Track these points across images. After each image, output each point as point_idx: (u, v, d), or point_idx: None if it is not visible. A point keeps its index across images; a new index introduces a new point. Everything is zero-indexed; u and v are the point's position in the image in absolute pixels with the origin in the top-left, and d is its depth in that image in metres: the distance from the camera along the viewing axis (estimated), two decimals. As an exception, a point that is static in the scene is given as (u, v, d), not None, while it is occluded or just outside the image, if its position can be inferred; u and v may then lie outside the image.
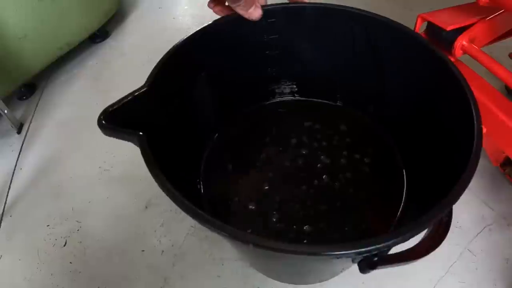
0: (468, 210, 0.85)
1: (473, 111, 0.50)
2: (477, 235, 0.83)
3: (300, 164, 0.75)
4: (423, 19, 0.77)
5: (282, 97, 0.85)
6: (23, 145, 1.08)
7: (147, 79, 0.58)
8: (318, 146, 0.77)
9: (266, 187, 0.72)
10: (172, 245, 0.83)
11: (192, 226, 0.85)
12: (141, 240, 0.84)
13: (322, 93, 0.83)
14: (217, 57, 0.72)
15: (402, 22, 0.62)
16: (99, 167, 0.98)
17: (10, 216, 0.92)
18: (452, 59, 0.70)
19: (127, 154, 1.00)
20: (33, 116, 1.15)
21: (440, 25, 0.73)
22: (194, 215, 0.41)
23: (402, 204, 0.68)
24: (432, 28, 0.77)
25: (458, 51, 0.74)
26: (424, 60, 0.61)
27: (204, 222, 0.40)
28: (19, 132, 1.11)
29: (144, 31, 1.43)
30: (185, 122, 0.70)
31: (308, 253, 0.38)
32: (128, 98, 0.54)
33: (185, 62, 0.66)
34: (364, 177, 0.72)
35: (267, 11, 0.69)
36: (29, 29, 1.10)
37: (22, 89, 1.21)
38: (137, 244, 0.84)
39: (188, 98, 0.70)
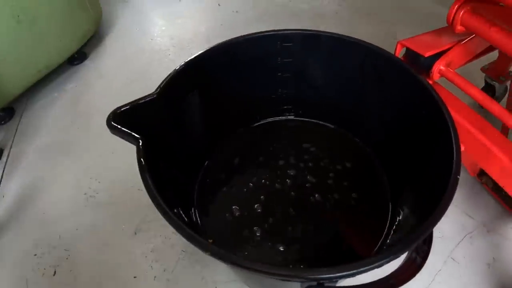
0: (449, 220, 0.89)
1: (454, 154, 0.54)
2: (459, 243, 0.86)
3: (295, 184, 0.78)
4: (403, 45, 0.80)
5: (286, 117, 0.89)
6: (4, 171, 1.05)
7: (158, 88, 0.63)
8: (316, 167, 0.81)
9: (259, 209, 0.75)
10: (164, 270, 0.83)
11: (183, 251, 0.85)
12: (133, 266, 0.84)
13: (326, 116, 0.87)
14: (230, 72, 0.76)
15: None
16: (84, 194, 0.97)
17: (-5, 246, 0.90)
18: (430, 82, 0.74)
19: (112, 179, 1.00)
20: (13, 142, 1.13)
21: (419, 51, 0.76)
22: (175, 226, 0.47)
23: (385, 229, 0.71)
24: (410, 53, 0.80)
25: (436, 75, 0.78)
26: (418, 96, 0.65)
27: (181, 232, 0.46)
28: (-1, 158, 1.09)
29: (122, 53, 1.43)
30: (185, 135, 0.73)
31: (257, 271, 0.41)
32: (138, 102, 0.59)
33: (197, 76, 0.70)
34: (352, 201, 0.76)
35: (285, 35, 0.72)
36: (7, 52, 1.09)
37: (1, 114, 1.19)
38: (129, 271, 0.83)
39: (193, 110, 0.74)
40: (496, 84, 1.05)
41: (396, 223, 0.70)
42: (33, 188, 1.00)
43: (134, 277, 0.82)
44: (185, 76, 0.67)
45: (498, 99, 1.08)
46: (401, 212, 0.70)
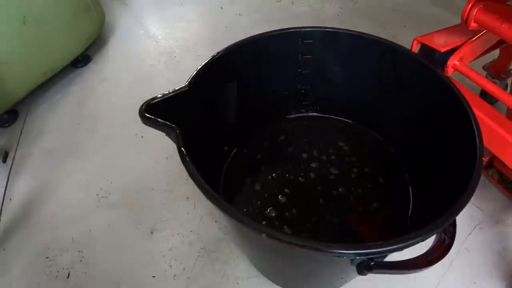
0: (459, 211, 0.88)
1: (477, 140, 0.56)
2: (469, 233, 0.87)
3: (316, 176, 0.79)
4: (419, 42, 0.83)
5: (305, 113, 0.90)
6: (10, 174, 1.03)
7: (189, 79, 0.64)
8: (336, 161, 0.81)
9: (283, 199, 0.75)
10: (184, 269, 0.81)
11: (202, 249, 0.84)
12: (151, 266, 0.82)
13: (344, 112, 0.88)
14: (252, 68, 0.77)
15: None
16: (96, 195, 0.95)
17: (4, 250, 0.87)
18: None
19: (124, 180, 0.98)
20: (18, 144, 1.11)
21: (435, 47, 0.79)
22: (230, 213, 0.46)
23: (408, 220, 0.72)
24: (426, 49, 0.83)
25: (450, 70, 0.81)
26: (438, 90, 0.67)
27: (230, 214, 0.45)
28: (4, 161, 1.06)
29: (127, 55, 1.41)
30: (214, 125, 0.74)
31: (312, 248, 0.41)
32: (170, 94, 0.60)
33: (223, 70, 0.71)
34: (374, 193, 0.76)
35: (306, 32, 0.74)
36: (12, 54, 1.07)
37: (5, 116, 1.16)
38: (147, 271, 0.81)
39: (220, 101, 0.75)
40: (497, 81, 1.09)
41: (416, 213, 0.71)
42: (41, 190, 0.98)
43: (153, 276, 0.80)
44: (212, 70, 0.68)
45: (494, 99, 1.11)
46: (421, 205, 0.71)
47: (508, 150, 0.73)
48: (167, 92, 0.61)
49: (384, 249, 0.42)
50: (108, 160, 1.03)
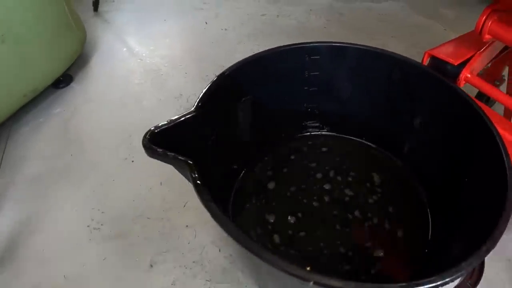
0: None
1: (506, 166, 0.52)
2: None
3: (328, 200, 0.77)
4: (430, 55, 0.80)
5: (314, 132, 0.87)
6: (-8, 206, 0.96)
7: (196, 103, 0.60)
8: (345, 183, 0.79)
9: (292, 221, 0.74)
10: (189, 304, 0.75)
11: (207, 280, 0.78)
12: (153, 303, 0.76)
13: (354, 131, 0.86)
14: (257, 86, 0.74)
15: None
16: (88, 226, 0.89)
17: (-11, 290, 0.80)
18: None
19: (117, 209, 0.92)
20: (-2, 172, 1.04)
21: (448, 60, 0.76)
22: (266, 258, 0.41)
23: (425, 252, 0.69)
24: (436, 62, 0.80)
25: (462, 82, 0.79)
26: (458, 109, 0.65)
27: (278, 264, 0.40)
28: (-16, 190, 0.99)
29: (110, 74, 1.35)
30: (222, 148, 0.70)
31: None
32: (178, 120, 0.56)
33: (229, 90, 0.68)
34: (390, 224, 0.74)
35: (312, 48, 0.71)
36: (-9, 75, 1.00)
37: (-17, 143, 1.09)
38: (150, 308, 0.75)
39: (228, 125, 0.72)
40: None
41: (434, 246, 0.68)
42: (27, 223, 0.91)
43: (157, 315, 0.74)
44: (218, 91, 0.65)
45: (492, 102, 1.12)
46: (441, 236, 0.68)
47: None
48: (174, 118, 0.57)
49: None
50: (98, 187, 0.97)
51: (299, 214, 0.75)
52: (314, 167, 0.82)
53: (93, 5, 1.71)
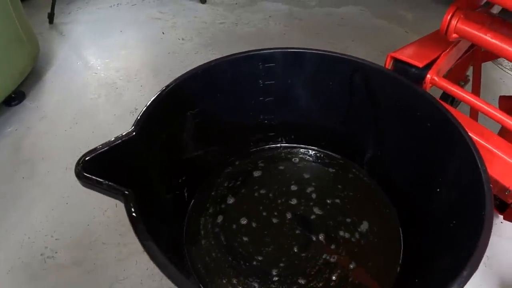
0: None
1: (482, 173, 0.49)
2: None
3: (289, 218, 0.74)
4: (392, 58, 0.78)
5: (272, 144, 0.85)
6: None
7: (135, 122, 0.55)
8: (307, 198, 0.77)
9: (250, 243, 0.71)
10: (149, 334, 0.73)
11: (166, 308, 0.75)
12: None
13: (315, 141, 0.83)
14: (207, 99, 0.70)
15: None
16: (41, 255, 0.85)
17: None
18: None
19: (71, 234, 0.88)
20: None
21: (413, 63, 0.74)
22: None
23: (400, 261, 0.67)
24: (399, 65, 0.77)
25: (428, 85, 0.77)
26: (424, 112, 0.61)
27: None
28: None
29: (65, 89, 1.31)
30: (170, 169, 0.67)
31: None
32: (115, 143, 0.51)
33: (175, 104, 0.63)
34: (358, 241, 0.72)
35: (266, 55, 0.67)
36: None
37: None
38: None
39: (175, 143, 0.67)
40: None
41: (410, 260, 0.66)
42: (-24, 253, 0.87)
43: None
44: (162, 107, 0.61)
45: (457, 103, 1.11)
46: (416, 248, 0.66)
47: (494, 162, 0.69)
48: (110, 139, 0.52)
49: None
50: (51, 212, 0.93)
51: (256, 233, 0.73)
52: (271, 184, 0.79)
53: (48, 17, 1.66)
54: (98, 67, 1.40)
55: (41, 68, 1.40)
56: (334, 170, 0.81)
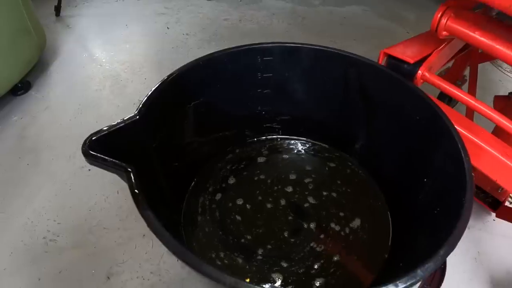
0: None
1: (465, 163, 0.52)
2: None
3: (282, 204, 0.78)
4: (385, 54, 0.79)
5: (270, 135, 0.88)
6: None
7: (139, 107, 0.58)
8: (304, 187, 0.80)
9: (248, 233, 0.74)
10: (146, 316, 0.75)
11: (164, 292, 0.78)
12: (109, 316, 0.75)
13: (311, 132, 0.86)
14: (208, 90, 0.72)
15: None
16: (43, 238, 0.88)
17: None
18: None
19: (73, 219, 0.91)
20: (-47, 184, 1.01)
21: (404, 59, 0.76)
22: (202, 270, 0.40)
23: (387, 255, 0.70)
24: (392, 61, 0.79)
25: (419, 81, 0.79)
26: (414, 106, 0.63)
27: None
28: None
29: (70, 81, 1.33)
30: (171, 154, 0.69)
31: None
32: (119, 125, 0.54)
33: (177, 93, 0.66)
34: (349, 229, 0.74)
35: (265, 48, 0.70)
36: None
37: None
38: (105, 322, 0.75)
39: (175, 128, 0.70)
40: None
41: (396, 250, 0.68)
42: (-19, 236, 0.89)
43: (112, 327, 0.74)
44: (165, 94, 0.64)
45: (454, 103, 1.14)
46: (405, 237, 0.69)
47: (483, 156, 0.71)
48: (115, 122, 0.55)
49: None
50: (54, 197, 0.96)
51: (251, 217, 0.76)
52: (272, 171, 0.83)
53: (55, 10, 1.69)
54: (103, 60, 1.43)
55: (47, 59, 1.43)
56: (334, 165, 0.84)
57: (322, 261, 0.69)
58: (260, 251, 0.71)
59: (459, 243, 0.81)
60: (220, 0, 1.80)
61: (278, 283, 0.67)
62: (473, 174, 0.50)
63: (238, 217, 0.76)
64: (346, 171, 0.82)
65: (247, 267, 0.69)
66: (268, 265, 0.69)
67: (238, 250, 0.71)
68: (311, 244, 0.71)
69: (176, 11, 1.72)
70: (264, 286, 0.66)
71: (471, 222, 0.89)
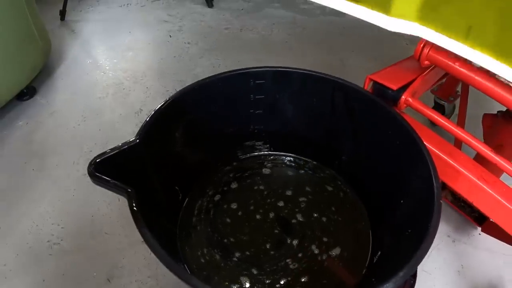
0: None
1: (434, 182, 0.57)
2: (428, 255, 0.89)
3: (271, 217, 0.83)
4: (371, 80, 0.83)
5: (262, 151, 0.93)
6: (-47, 220, 0.98)
7: (139, 132, 0.64)
8: (296, 205, 0.84)
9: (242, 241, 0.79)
10: (144, 319, 0.80)
11: (161, 296, 0.83)
12: (109, 318, 0.80)
13: (297, 149, 0.91)
14: (203, 111, 0.78)
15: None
16: (48, 241, 0.92)
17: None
18: (397, 110, 0.77)
19: (77, 224, 0.96)
20: (-40, 187, 1.06)
21: (388, 85, 0.80)
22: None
23: (366, 266, 0.75)
24: (378, 86, 0.83)
25: (402, 106, 0.82)
26: (394, 131, 0.70)
27: None
28: None
29: (74, 87, 1.38)
30: (167, 172, 0.74)
31: None
32: (121, 148, 0.60)
33: (172, 115, 0.71)
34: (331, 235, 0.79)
35: (258, 72, 0.75)
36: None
37: None
38: (105, 323, 0.79)
39: (171, 149, 0.76)
40: (446, 104, 1.16)
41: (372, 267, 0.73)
42: (-12, 237, 0.94)
43: (111, 329, 0.79)
44: (162, 117, 0.69)
45: (447, 117, 1.18)
46: (382, 249, 0.73)
47: (460, 179, 0.75)
48: (117, 145, 0.61)
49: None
50: (58, 202, 1.01)
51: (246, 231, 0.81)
52: (269, 186, 0.88)
53: (60, 14, 1.73)
54: (107, 67, 1.47)
55: (52, 65, 1.47)
56: (331, 189, 0.87)
57: (289, 278, 0.73)
58: (237, 254, 0.76)
59: (444, 256, 0.87)
60: (222, 9, 1.84)
61: (246, 285, 0.72)
62: (441, 201, 0.55)
63: (228, 220, 0.82)
64: (340, 194, 0.86)
65: (222, 264, 0.75)
66: (240, 268, 0.75)
67: (218, 248, 0.77)
68: (287, 260, 0.76)
69: (179, 19, 1.76)
70: (232, 286, 0.71)
71: (456, 236, 0.94)
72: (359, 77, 1.24)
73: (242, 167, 0.91)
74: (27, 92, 1.32)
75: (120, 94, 1.34)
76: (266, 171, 0.90)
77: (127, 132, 1.18)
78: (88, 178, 1.02)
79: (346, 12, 0.57)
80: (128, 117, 1.24)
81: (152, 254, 0.86)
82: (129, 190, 0.55)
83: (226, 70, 0.77)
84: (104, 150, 0.59)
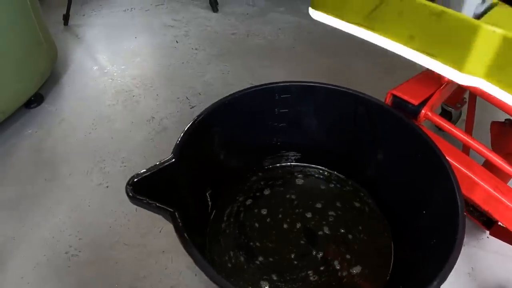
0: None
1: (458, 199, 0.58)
2: None
3: (299, 228, 0.83)
4: (393, 95, 0.85)
5: (284, 163, 0.94)
6: (-35, 232, 0.96)
7: (174, 150, 0.64)
8: (324, 217, 0.85)
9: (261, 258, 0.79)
10: (168, 332, 0.79)
11: (186, 308, 0.82)
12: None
13: (320, 161, 0.92)
14: (228, 125, 0.79)
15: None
16: (66, 253, 0.91)
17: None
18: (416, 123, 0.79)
19: (94, 235, 0.94)
20: (-30, 198, 1.04)
21: (409, 100, 0.81)
22: None
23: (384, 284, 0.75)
24: (398, 100, 0.85)
25: (422, 119, 0.84)
26: (415, 144, 0.71)
27: None
28: (-43, 217, 1.00)
29: (82, 94, 1.37)
30: (201, 189, 0.78)
31: None
32: (158, 167, 0.60)
33: (203, 129, 0.73)
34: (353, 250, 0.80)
35: (283, 87, 0.75)
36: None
37: (-46, 167, 1.09)
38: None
39: (206, 165, 0.77)
40: (452, 110, 1.18)
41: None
42: (3, 250, 0.92)
43: None
44: (194, 132, 0.70)
45: (454, 123, 1.20)
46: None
47: (477, 190, 0.76)
48: (154, 165, 0.61)
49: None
50: (73, 213, 0.99)
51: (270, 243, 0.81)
52: (300, 196, 0.89)
53: (63, 19, 1.71)
54: (114, 74, 1.46)
55: (57, 71, 1.46)
56: (359, 205, 0.88)
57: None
58: (260, 258, 0.78)
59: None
60: (227, 13, 1.83)
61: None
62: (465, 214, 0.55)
63: (257, 224, 0.83)
64: (365, 209, 0.86)
65: (245, 267, 0.77)
66: (261, 272, 0.76)
67: (243, 250, 0.79)
68: (309, 272, 0.76)
69: (185, 24, 1.75)
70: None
71: (466, 239, 0.92)
72: (365, 82, 1.25)
73: (272, 177, 0.93)
74: (35, 100, 1.30)
75: (130, 101, 1.33)
76: (299, 181, 0.91)
77: (139, 140, 1.17)
78: (102, 188, 1.03)
79: (422, 64, 0.59)
80: (140, 125, 1.23)
81: (174, 263, 0.87)
82: (171, 210, 0.54)
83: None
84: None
